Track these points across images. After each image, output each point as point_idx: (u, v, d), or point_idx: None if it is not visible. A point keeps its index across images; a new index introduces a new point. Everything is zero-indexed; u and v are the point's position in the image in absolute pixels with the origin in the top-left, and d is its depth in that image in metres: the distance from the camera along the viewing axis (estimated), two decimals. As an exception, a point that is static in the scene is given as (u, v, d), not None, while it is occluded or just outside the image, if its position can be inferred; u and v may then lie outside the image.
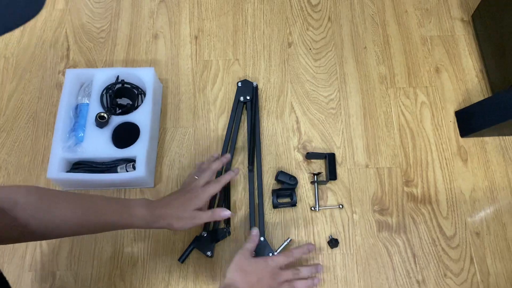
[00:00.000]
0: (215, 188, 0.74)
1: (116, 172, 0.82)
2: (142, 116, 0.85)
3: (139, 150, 0.81)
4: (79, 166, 0.83)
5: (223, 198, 0.84)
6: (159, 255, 0.82)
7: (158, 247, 0.82)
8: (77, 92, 0.89)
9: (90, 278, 0.80)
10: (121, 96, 0.90)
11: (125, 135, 0.84)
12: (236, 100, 0.92)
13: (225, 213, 0.71)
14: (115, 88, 0.87)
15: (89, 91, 0.87)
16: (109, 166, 0.82)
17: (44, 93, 0.96)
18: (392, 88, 0.96)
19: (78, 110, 0.87)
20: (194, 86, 0.97)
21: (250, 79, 0.95)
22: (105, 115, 0.82)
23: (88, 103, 0.87)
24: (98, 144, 0.83)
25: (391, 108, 0.94)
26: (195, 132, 0.92)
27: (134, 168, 0.80)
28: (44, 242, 0.82)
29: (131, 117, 0.85)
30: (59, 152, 0.81)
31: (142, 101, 0.87)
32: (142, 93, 0.89)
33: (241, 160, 0.89)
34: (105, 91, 0.87)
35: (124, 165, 0.82)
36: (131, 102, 0.89)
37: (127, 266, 0.81)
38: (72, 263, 0.81)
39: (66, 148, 0.82)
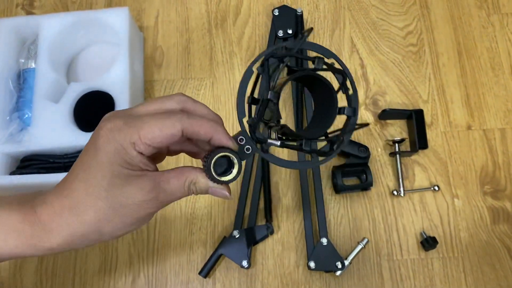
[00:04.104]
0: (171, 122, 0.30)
1: None
2: (116, 80, 0.56)
3: None
4: (29, 162, 0.55)
5: (260, 177, 0.57)
6: (170, 267, 0.56)
7: (169, 255, 0.56)
8: (18, 53, 0.61)
9: (70, 302, 0.54)
10: None
11: (93, 111, 0.56)
12: (272, 36, 0.63)
13: (223, 192, 0.33)
14: None
15: (36, 51, 0.60)
16: (74, 160, 0.54)
17: (-5, 34, 0.67)
18: (496, 14, 0.66)
19: (22, 79, 0.60)
20: (209, 19, 0.67)
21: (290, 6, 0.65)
22: None
23: (34, 68, 0.59)
24: (54, 127, 0.55)
25: (496, 42, 0.64)
26: (214, 84, 0.64)
27: None
28: (1, 250, 0.56)
29: (99, 84, 0.57)
30: None
31: None
32: None
33: (283, 123, 0.61)
34: None
35: None
36: None
37: (124, 283, 0.55)
38: (44, 279, 0.55)
39: (7, 137, 0.55)
